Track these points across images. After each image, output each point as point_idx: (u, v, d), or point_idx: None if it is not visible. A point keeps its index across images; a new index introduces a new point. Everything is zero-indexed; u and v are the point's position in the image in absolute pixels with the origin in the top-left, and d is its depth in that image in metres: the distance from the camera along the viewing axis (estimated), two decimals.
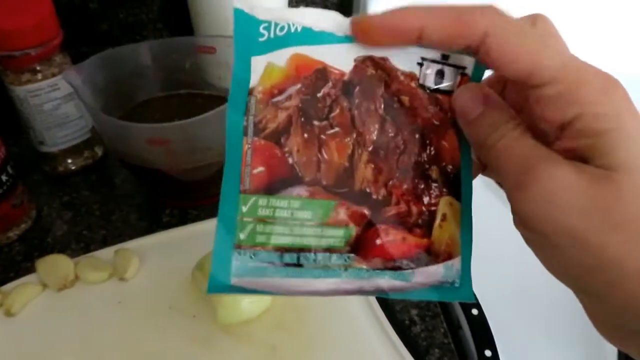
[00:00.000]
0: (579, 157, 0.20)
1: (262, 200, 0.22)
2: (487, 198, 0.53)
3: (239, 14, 0.21)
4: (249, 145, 0.22)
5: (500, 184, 0.23)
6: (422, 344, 0.40)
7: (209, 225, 0.48)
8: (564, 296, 0.44)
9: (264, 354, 0.38)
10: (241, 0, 0.21)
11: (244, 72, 0.22)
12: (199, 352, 0.38)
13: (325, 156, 0.22)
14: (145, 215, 0.51)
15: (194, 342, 0.39)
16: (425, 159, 0.24)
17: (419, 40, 0.21)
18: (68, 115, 0.52)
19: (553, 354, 0.40)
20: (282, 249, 0.22)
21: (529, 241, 0.22)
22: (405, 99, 0.23)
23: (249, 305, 0.39)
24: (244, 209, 0.21)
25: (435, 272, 0.24)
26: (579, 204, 0.19)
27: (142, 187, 0.54)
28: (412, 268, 0.24)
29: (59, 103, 0.50)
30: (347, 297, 0.41)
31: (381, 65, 0.23)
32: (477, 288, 0.41)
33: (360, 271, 0.23)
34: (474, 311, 0.40)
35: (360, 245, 0.23)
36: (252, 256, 0.22)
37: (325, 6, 0.77)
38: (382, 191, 0.23)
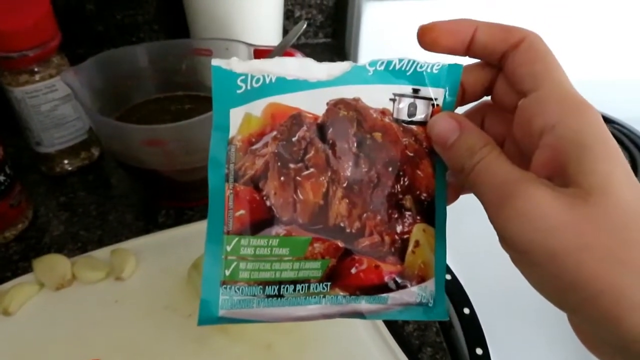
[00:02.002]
0: (556, 172, 0.21)
1: (244, 240, 0.24)
2: (476, 200, 0.54)
3: (217, 70, 0.23)
4: (231, 191, 0.24)
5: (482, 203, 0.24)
6: (414, 343, 0.40)
7: (204, 226, 0.48)
8: None
9: (259, 352, 0.38)
10: (219, 58, 0.23)
11: (224, 123, 0.24)
12: (194, 351, 0.38)
13: (301, 196, 0.24)
14: (141, 215, 0.51)
15: (190, 341, 0.39)
16: (399, 189, 0.25)
17: (470, 43, 0.24)
18: (65, 116, 0.52)
19: (544, 352, 0.41)
20: (264, 283, 0.24)
21: (513, 259, 0.22)
22: (378, 135, 0.25)
23: None
24: (228, 248, 0.23)
25: (409, 294, 0.26)
26: (555, 224, 0.19)
27: (139, 187, 0.54)
28: (386, 292, 0.25)
29: (56, 104, 0.51)
30: None
31: (353, 105, 0.25)
32: (468, 287, 0.42)
33: (337, 297, 0.25)
34: (466, 310, 0.41)
35: (336, 275, 0.25)
36: (237, 290, 0.24)
37: (320, 10, 0.78)
38: (356, 224, 0.25)
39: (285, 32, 0.72)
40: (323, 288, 0.25)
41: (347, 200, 0.25)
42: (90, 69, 0.47)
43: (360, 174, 0.25)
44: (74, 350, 0.39)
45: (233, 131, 0.24)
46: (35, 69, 0.48)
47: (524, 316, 0.43)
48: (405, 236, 0.25)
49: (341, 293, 0.25)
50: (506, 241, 0.21)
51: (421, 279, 0.26)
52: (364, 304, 0.25)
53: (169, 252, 0.46)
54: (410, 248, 0.25)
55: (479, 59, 0.25)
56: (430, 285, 0.26)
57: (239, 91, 0.23)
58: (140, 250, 0.45)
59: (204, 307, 0.23)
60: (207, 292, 0.23)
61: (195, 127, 0.42)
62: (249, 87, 0.23)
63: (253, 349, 0.38)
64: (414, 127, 0.25)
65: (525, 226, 0.20)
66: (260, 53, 0.49)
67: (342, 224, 0.25)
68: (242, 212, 0.23)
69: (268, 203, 0.24)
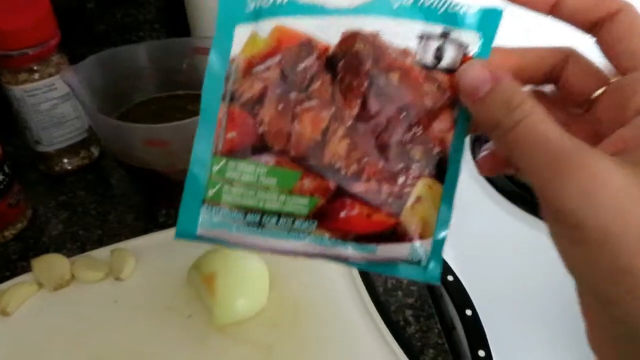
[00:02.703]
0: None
1: (232, 163, 0.23)
2: (481, 200, 0.54)
3: None
4: (225, 111, 0.22)
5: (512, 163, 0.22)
6: (416, 345, 0.40)
7: None
8: (558, 297, 0.44)
9: (260, 353, 0.38)
10: None
11: (227, 39, 0.22)
12: (194, 352, 0.38)
13: (297, 128, 0.23)
14: (141, 215, 0.51)
15: (190, 342, 0.39)
16: (409, 138, 0.23)
17: (557, 2, 0.22)
18: (64, 115, 0.52)
19: (546, 355, 0.40)
20: (246, 210, 0.23)
21: (556, 233, 0.20)
22: (395, 75, 0.23)
23: (244, 305, 0.39)
24: (215, 168, 0.23)
25: (400, 250, 0.24)
26: (618, 204, 0.18)
27: (138, 187, 0.54)
28: (376, 242, 0.24)
29: (55, 103, 0.50)
30: (342, 299, 0.41)
31: (370, 40, 0.23)
32: (470, 288, 0.42)
33: (322, 239, 0.24)
34: (468, 312, 0.41)
35: (324, 216, 0.24)
36: (217, 212, 0.23)
37: None
38: (354, 167, 0.23)
39: None
40: (308, 226, 0.23)
41: (348, 141, 0.23)
42: (90, 68, 0.46)
43: (368, 115, 0.23)
44: (73, 351, 0.38)
45: (236, 49, 0.22)
46: (35, 68, 0.48)
47: (526, 318, 0.43)
48: (407, 189, 0.24)
49: (327, 235, 0.24)
50: (554, 213, 0.20)
51: (418, 236, 0.24)
52: (350, 250, 0.24)
53: (169, 253, 0.45)
54: (409, 202, 0.24)
55: (564, 21, 0.23)
56: (426, 244, 0.24)
57: (247, 9, 0.22)
58: (140, 250, 0.45)
59: (182, 222, 0.23)
60: (187, 207, 0.23)
61: (196, 126, 0.42)
62: (258, 6, 0.22)
63: (254, 350, 0.38)
64: (438, 73, 0.23)
65: (586, 202, 0.18)
66: None
67: (337, 165, 0.23)
68: (233, 134, 0.23)
69: (261, 130, 0.23)
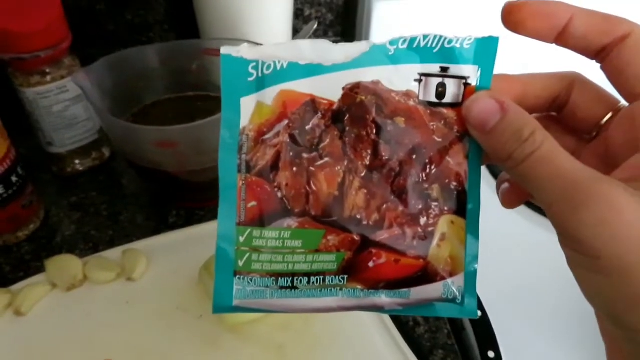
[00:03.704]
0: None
1: (256, 232, 0.23)
2: (489, 199, 0.54)
3: (226, 58, 0.22)
4: (243, 182, 0.23)
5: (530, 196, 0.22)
6: (426, 345, 0.40)
7: (215, 226, 0.48)
8: (568, 298, 0.44)
9: (270, 353, 0.38)
10: (229, 46, 0.22)
11: (234, 113, 0.23)
12: (206, 352, 0.38)
13: (314, 187, 0.23)
14: (152, 215, 0.52)
15: (201, 341, 0.39)
16: (425, 178, 0.24)
17: (564, 31, 0.22)
18: (76, 116, 0.52)
19: (556, 355, 0.40)
20: (277, 275, 0.24)
21: (573, 262, 0.21)
22: (401, 119, 0.23)
23: None
24: (241, 239, 0.23)
25: (434, 290, 0.24)
26: (634, 233, 0.18)
27: (149, 188, 0.55)
28: (408, 287, 0.24)
29: (67, 105, 0.51)
30: None
31: (372, 89, 0.23)
32: (480, 290, 0.42)
33: (355, 291, 0.24)
34: (478, 313, 0.41)
35: (353, 268, 0.24)
36: (250, 281, 0.24)
37: (330, 9, 0.78)
38: (375, 216, 0.24)
39: (295, 31, 0.72)
40: (339, 281, 0.24)
41: (365, 191, 0.23)
42: (101, 70, 0.47)
43: (380, 162, 0.23)
44: (86, 351, 0.39)
45: (244, 121, 0.23)
46: (47, 70, 0.48)
47: (536, 319, 0.43)
48: (430, 228, 0.24)
49: (359, 286, 0.24)
50: (572, 244, 0.20)
51: (449, 274, 0.24)
52: (384, 298, 0.24)
53: (180, 253, 0.46)
54: (435, 242, 0.24)
55: (570, 49, 0.23)
56: (458, 280, 0.24)
57: (249, 79, 0.22)
58: (152, 250, 0.45)
59: (218, 296, 0.24)
60: (221, 281, 0.23)
61: (207, 128, 0.42)
62: (260, 75, 0.22)
63: (264, 350, 0.38)
64: (443, 109, 0.23)
65: (602, 231, 0.18)
66: None
67: (358, 216, 0.23)
68: (253, 203, 0.23)
69: (280, 195, 0.23)
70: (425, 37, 0.22)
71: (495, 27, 0.23)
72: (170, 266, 0.45)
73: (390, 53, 0.23)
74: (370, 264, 0.24)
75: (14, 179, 0.45)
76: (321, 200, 0.23)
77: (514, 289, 0.45)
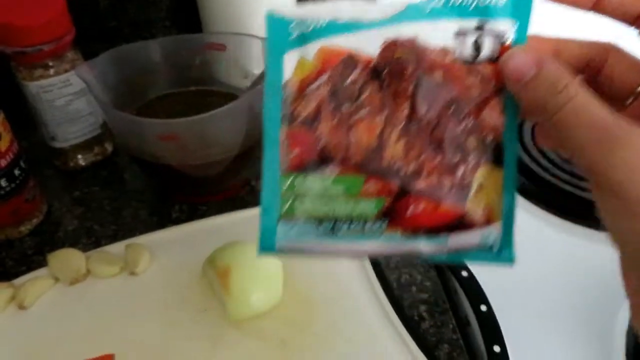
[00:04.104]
0: None
1: (299, 179, 0.25)
2: None
3: (270, 18, 0.24)
4: (286, 132, 0.25)
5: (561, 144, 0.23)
6: (431, 340, 0.40)
7: (218, 221, 0.48)
8: (573, 292, 0.44)
9: (274, 348, 0.38)
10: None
11: (277, 69, 0.25)
12: (209, 346, 0.38)
13: (354, 138, 0.24)
14: (155, 210, 0.51)
15: (204, 336, 0.39)
16: (462, 130, 0.24)
17: None
18: (79, 111, 0.52)
19: (562, 350, 0.40)
20: (319, 219, 0.25)
21: (604, 208, 0.21)
22: (438, 74, 0.24)
23: (258, 300, 0.39)
24: (284, 186, 0.25)
25: (471, 237, 0.25)
26: None
27: (152, 183, 0.54)
28: (446, 233, 0.25)
29: (70, 99, 0.51)
30: (356, 295, 0.41)
31: (409, 45, 0.24)
32: (485, 284, 0.42)
33: (394, 236, 0.25)
34: (483, 307, 0.40)
35: (393, 214, 0.25)
36: (294, 226, 0.25)
37: None
38: (413, 165, 0.24)
39: None
40: (379, 226, 0.25)
41: (404, 142, 0.24)
42: (104, 64, 0.47)
43: (418, 115, 0.24)
44: (88, 345, 0.38)
45: (287, 75, 0.25)
46: (50, 64, 0.48)
47: (541, 313, 0.43)
48: (467, 179, 0.24)
49: (398, 232, 0.25)
50: (602, 187, 0.21)
51: (486, 223, 0.25)
52: (422, 244, 0.25)
53: (183, 248, 0.46)
54: (472, 192, 0.24)
55: (607, 16, 0.23)
56: (495, 228, 0.25)
57: (291, 37, 0.24)
58: (155, 245, 0.45)
59: (263, 238, 0.25)
60: (266, 224, 0.25)
61: (210, 122, 0.42)
62: (301, 32, 0.24)
63: (267, 345, 0.38)
64: (479, 65, 0.24)
65: (631, 175, 0.20)
66: None
67: (397, 166, 0.24)
68: (296, 151, 0.25)
69: (321, 144, 0.25)
70: None
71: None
72: (174, 261, 0.45)
73: (426, 11, 0.24)
74: (409, 211, 0.25)
75: (16, 172, 0.45)
76: (361, 150, 0.24)
77: (520, 283, 0.45)
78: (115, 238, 0.48)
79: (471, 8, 0.24)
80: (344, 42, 0.24)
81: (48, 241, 0.48)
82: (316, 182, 0.25)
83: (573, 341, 0.40)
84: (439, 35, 0.24)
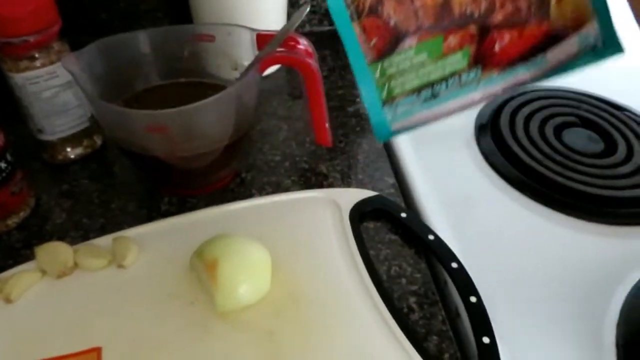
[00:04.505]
0: None
1: (386, 63, 0.26)
2: (488, 189, 0.53)
3: None
4: (359, 27, 0.26)
5: None
6: (420, 331, 0.40)
7: (207, 214, 0.48)
8: (563, 284, 0.44)
9: (261, 340, 0.38)
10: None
11: None
12: (197, 338, 0.38)
13: (419, 3, 0.25)
14: (144, 203, 0.51)
15: (193, 328, 0.39)
16: None
17: None
18: (67, 103, 0.51)
19: (552, 342, 0.40)
20: (417, 89, 0.27)
21: None
22: None
23: (246, 292, 0.39)
24: (376, 75, 0.26)
25: (569, 47, 0.25)
26: None
27: (141, 176, 0.54)
28: (542, 53, 0.25)
29: (57, 91, 0.50)
30: (345, 286, 0.41)
31: None
32: (475, 275, 0.42)
33: (492, 78, 0.26)
34: (472, 299, 0.40)
35: (483, 59, 0.26)
36: (397, 105, 0.27)
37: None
38: (484, 4, 0.25)
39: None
40: (475, 75, 0.26)
41: None
42: (91, 55, 0.46)
43: None
44: (76, 338, 0.38)
45: None
46: (36, 55, 0.48)
47: (531, 305, 0.42)
48: None
49: (495, 73, 0.26)
50: None
51: (578, 26, 0.25)
52: (522, 72, 0.25)
53: (171, 240, 0.45)
54: (553, 1, 0.24)
55: None
56: (592, 28, 0.25)
57: None
58: (143, 238, 0.45)
59: (378, 129, 0.28)
60: (375, 116, 0.28)
61: (198, 112, 0.41)
62: None
63: (255, 336, 0.38)
64: None
65: None
66: (264, 38, 0.48)
67: (469, 10, 0.25)
68: (374, 40, 0.26)
69: (392, 22, 0.26)
70: None
71: None
72: (162, 253, 0.44)
73: None
74: (497, 47, 0.25)
75: (2, 165, 0.44)
76: (429, 12, 0.25)
77: (510, 275, 0.45)
78: (103, 231, 0.48)
79: None
80: None
81: (36, 234, 0.48)
82: (401, 59, 0.26)
83: (563, 333, 0.40)
84: None
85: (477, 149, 0.60)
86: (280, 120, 0.62)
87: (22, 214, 0.49)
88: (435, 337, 0.39)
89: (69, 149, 0.55)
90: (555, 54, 0.25)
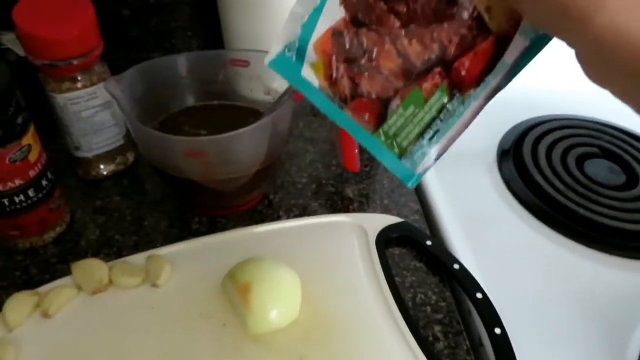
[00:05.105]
0: None
1: (385, 127, 0.31)
2: (512, 221, 0.54)
3: (272, 66, 0.30)
4: (349, 111, 0.30)
5: None
6: None
7: (238, 235, 0.49)
8: (585, 318, 0.44)
9: None
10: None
11: (307, 87, 0.30)
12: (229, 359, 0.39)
13: (386, 71, 0.29)
14: (175, 222, 0.52)
15: (224, 350, 0.40)
16: None
17: None
18: (104, 122, 0.53)
19: None
20: (420, 135, 0.31)
21: None
22: None
23: (278, 316, 0.40)
24: (383, 139, 0.31)
25: (519, 42, 0.28)
26: None
27: (172, 194, 0.55)
28: (499, 59, 0.29)
29: (96, 111, 0.52)
30: (373, 313, 0.42)
31: None
32: (499, 307, 0.42)
33: (472, 96, 0.30)
34: (497, 330, 0.41)
35: (457, 86, 0.29)
36: (412, 154, 0.31)
37: None
38: (435, 46, 0.28)
39: None
40: (458, 101, 0.30)
41: (415, 40, 0.28)
42: (131, 78, 0.48)
43: (406, 16, 0.28)
44: (110, 355, 0.39)
45: (316, 83, 0.30)
46: (79, 77, 0.49)
47: (556, 336, 0.43)
48: (475, 13, 0.28)
49: (472, 90, 0.29)
50: None
51: (515, 26, 0.28)
52: (493, 81, 0.29)
53: (203, 260, 0.46)
54: (486, 17, 0.28)
55: None
56: (524, 25, 0.27)
57: (292, 60, 0.29)
58: (175, 257, 0.46)
59: (405, 180, 0.32)
60: (398, 171, 0.32)
61: (236, 140, 0.43)
62: (294, 50, 0.29)
63: None
64: None
65: None
66: None
67: (427, 57, 0.29)
68: (366, 115, 0.30)
69: (373, 96, 0.30)
70: None
71: None
72: (194, 273, 0.45)
73: None
74: (463, 73, 0.29)
75: (44, 183, 0.46)
76: (397, 73, 0.29)
77: (534, 306, 0.45)
78: (136, 248, 0.49)
79: None
80: (321, 27, 0.29)
81: (71, 250, 0.49)
82: (395, 119, 0.30)
83: None
84: None
85: (499, 175, 0.61)
86: (306, 142, 0.63)
87: (58, 230, 0.50)
88: None
89: (102, 166, 0.56)
90: (511, 55, 0.28)
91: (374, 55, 0.29)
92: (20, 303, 0.42)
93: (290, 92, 0.47)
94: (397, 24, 0.28)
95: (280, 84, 0.51)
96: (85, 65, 0.49)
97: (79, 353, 0.40)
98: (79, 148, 0.54)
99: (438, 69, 0.29)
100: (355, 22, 0.29)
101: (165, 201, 0.55)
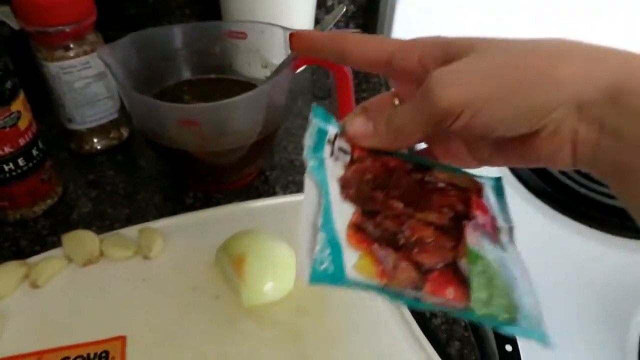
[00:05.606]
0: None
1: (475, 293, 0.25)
2: (515, 203, 0.53)
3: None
4: (429, 299, 0.25)
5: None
6: (442, 336, 0.40)
7: (232, 209, 0.48)
8: (587, 298, 0.44)
9: (287, 338, 0.38)
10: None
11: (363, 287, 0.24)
12: (221, 333, 0.38)
13: (429, 240, 0.26)
14: (169, 197, 0.51)
15: (217, 322, 0.39)
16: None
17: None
18: (97, 94, 0.52)
19: (574, 351, 0.40)
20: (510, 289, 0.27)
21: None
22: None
23: (272, 288, 0.39)
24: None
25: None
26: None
27: (166, 169, 0.54)
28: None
29: (89, 82, 0.51)
30: None
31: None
32: None
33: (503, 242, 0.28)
34: (508, 347, 0.40)
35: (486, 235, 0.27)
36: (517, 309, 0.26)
37: (354, 12, 0.77)
38: (445, 209, 0.27)
39: (317, 21, 0.72)
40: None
41: (427, 211, 0.27)
42: (125, 47, 0.46)
43: (403, 194, 0.27)
44: (101, 326, 0.39)
45: (373, 282, 0.24)
46: (71, 45, 0.48)
47: (554, 313, 0.42)
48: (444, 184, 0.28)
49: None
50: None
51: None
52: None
53: (196, 234, 0.46)
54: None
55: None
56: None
57: (329, 270, 0.24)
58: (168, 230, 0.45)
59: (541, 339, 0.25)
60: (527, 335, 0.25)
61: (230, 108, 0.42)
62: (328, 262, 0.24)
63: (281, 335, 0.38)
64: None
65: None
66: None
67: (448, 216, 0.27)
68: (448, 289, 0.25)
69: (440, 265, 0.25)
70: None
71: (516, 20, 0.24)
72: (187, 247, 0.44)
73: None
74: (481, 222, 0.28)
75: (34, 152, 0.45)
76: (438, 235, 0.26)
77: (534, 283, 0.44)
78: (128, 222, 0.48)
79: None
80: (341, 227, 0.25)
81: (62, 222, 0.48)
82: (476, 280, 0.25)
83: (586, 342, 0.40)
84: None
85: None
86: (305, 120, 0.62)
87: (49, 202, 0.49)
88: (457, 343, 0.39)
89: (96, 140, 0.55)
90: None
91: (407, 232, 0.26)
92: (8, 273, 0.41)
93: (287, 63, 0.46)
94: (400, 205, 0.27)
95: (278, 58, 0.49)
96: (77, 33, 0.48)
97: (69, 324, 0.39)
98: (71, 120, 0.53)
99: (464, 222, 0.27)
100: (366, 212, 0.26)
101: (159, 177, 0.54)
